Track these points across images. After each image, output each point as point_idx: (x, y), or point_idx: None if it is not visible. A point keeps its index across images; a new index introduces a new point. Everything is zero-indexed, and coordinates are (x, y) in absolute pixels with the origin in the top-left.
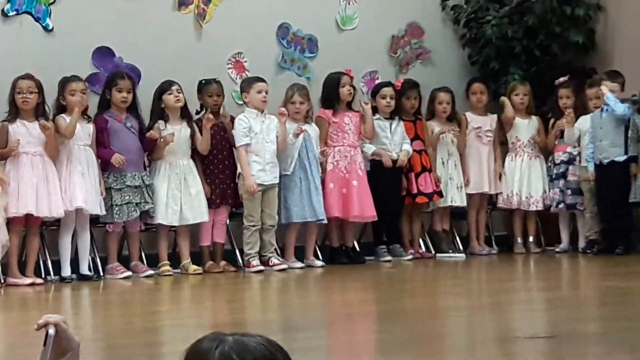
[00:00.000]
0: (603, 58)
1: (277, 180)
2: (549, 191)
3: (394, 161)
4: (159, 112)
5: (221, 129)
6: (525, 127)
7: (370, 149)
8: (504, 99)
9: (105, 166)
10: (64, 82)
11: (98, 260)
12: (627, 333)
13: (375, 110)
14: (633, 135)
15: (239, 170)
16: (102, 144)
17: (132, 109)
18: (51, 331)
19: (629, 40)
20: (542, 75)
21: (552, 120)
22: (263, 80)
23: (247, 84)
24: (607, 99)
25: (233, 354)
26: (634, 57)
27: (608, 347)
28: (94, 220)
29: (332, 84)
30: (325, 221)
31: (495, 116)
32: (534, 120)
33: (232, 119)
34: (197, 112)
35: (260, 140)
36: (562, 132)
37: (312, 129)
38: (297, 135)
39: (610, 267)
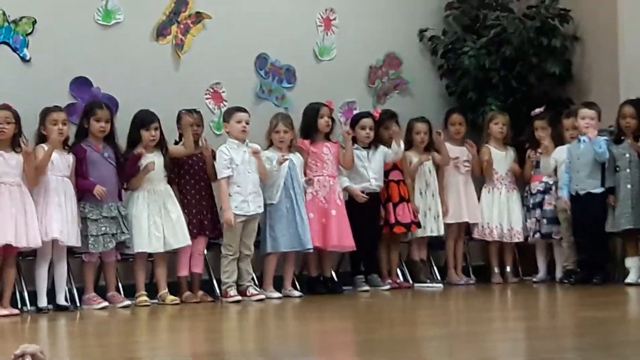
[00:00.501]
0: (579, 89)
1: (260, 210)
2: (529, 221)
3: (370, 193)
4: (136, 142)
5: (200, 160)
6: (502, 159)
7: (344, 182)
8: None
9: (81, 196)
10: (46, 112)
11: (75, 290)
12: None
13: (353, 140)
14: (610, 166)
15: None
16: (82, 174)
17: (109, 139)
18: None
19: (605, 71)
20: (519, 105)
21: (528, 151)
22: (244, 110)
23: (227, 114)
24: (594, 144)
25: None
26: (610, 88)
27: None
28: (71, 250)
29: (311, 115)
30: (312, 250)
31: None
32: (510, 151)
33: (213, 152)
34: (176, 142)
35: (242, 171)
36: (537, 162)
37: (297, 158)
38: (281, 164)
39: (587, 297)
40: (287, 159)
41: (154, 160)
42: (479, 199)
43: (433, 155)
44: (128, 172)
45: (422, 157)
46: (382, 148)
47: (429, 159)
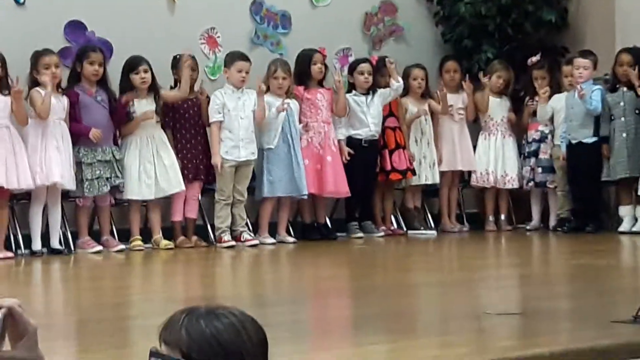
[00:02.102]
0: (575, 37)
1: (252, 157)
2: (524, 169)
3: (368, 140)
4: (128, 88)
5: (195, 104)
6: (498, 106)
7: (339, 135)
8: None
9: (75, 140)
10: (37, 56)
11: (69, 234)
12: (596, 309)
13: (352, 86)
14: (605, 115)
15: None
16: (75, 118)
17: (103, 83)
18: None
19: (601, 20)
20: (514, 53)
21: (526, 99)
22: (246, 59)
23: (229, 59)
24: (585, 102)
25: (201, 321)
26: (605, 36)
27: (577, 323)
28: (64, 194)
29: (303, 61)
30: (306, 196)
31: (465, 94)
32: (505, 99)
33: (208, 97)
34: (172, 88)
35: (234, 116)
36: (534, 111)
37: (294, 104)
38: (279, 111)
39: (580, 245)
40: (285, 108)
41: (147, 106)
42: (475, 146)
43: (429, 103)
44: (117, 119)
45: (420, 109)
46: (380, 91)
47: (427, 112)
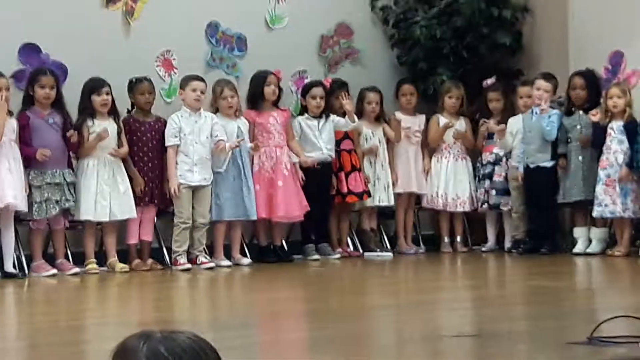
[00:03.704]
0: (529, 60)
1: (206, 182)
2: (477, 191)
3: (322, 162)
4: (88, 110)
5: (152, 128)
6: (451, 129)
7: (293, 158)
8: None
9: (27, 163)
10: None
11: (23, 258)
12: (551, 331)
13: (304, 109)
14: (562, 137)
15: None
16: (24, 141)
17: (57, 105)
18: None
19: (554, 43)
20: (469, 76)
21: (481, 121)
22: (201, 80)
23: (184, 81)
24: (541, 119)
25: (161, 347)
26: (559, 59)
27: (533, 345)
28: (18, 217)
29: (257, 83)
30: (255, 218)
31: (423, 117)
32: (462, 121)
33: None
34: (129, 111)
35: (190, 140)
36: (490, 134)
37: (243, 124)
38: (232, 148)
39: (535, 266)
40: (238, 145)
41: (107, 127)
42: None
43: (384, 127)
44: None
45: (373, 145)
46: (332, 117)
47: (378, 147)
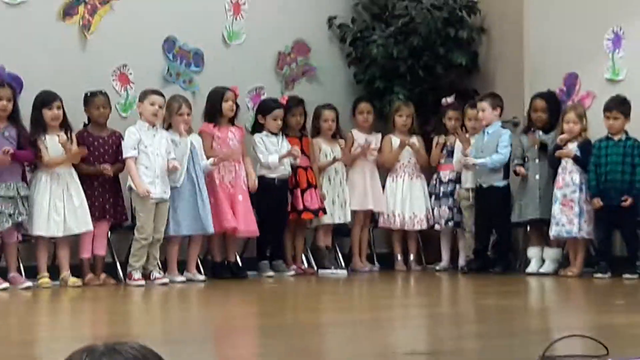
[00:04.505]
0: (485, 80)
1: (167, 196)
2: (436, 209)
3: (279, 179)
4: (39, 123)
5: (106, 143)
6: (405, 148)
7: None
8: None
9: None
10: None
11: None
12: (503, 350)
13: (261, 126)
14: (517, 154)
15: (128, 182)
16: None
17: (12, 118)
18: None
19: (509, 63)
20: (426, 95)
21: (435, 138)
22: (160, 94)
23: (143, 95)
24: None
25: (103, 358)
26: (514, 79)
27: None
28: None
29: (215, 99)
30: (212, 231)
31: (379, 135)
32: (415, 140)
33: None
34: (85, 125)
35: (151, 153)
36: (449, 152)
37: (196, 140)
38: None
39: (488, 285)
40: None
41: (58, 143)
42: (383, 187)
43: (340, 143)
44: (22, 154)
45: (335, 157)
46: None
47: (337, 159)
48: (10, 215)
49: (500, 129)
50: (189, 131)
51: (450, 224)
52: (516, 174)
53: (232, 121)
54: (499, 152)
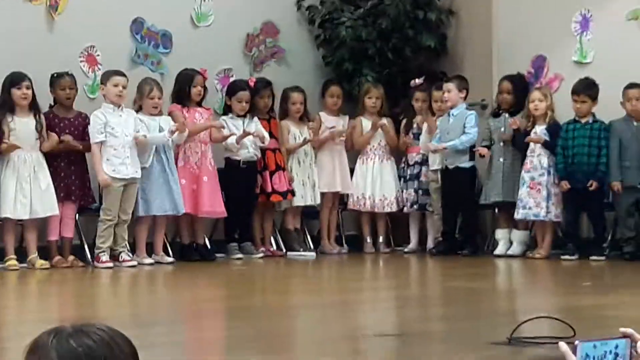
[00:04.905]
0: (454, 62)
1: (138, 175)
2: (403, 192)
3: (247, 161)
4: (8, 104)
5: (72, 124)
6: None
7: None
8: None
9: None
10: None
11: None
12: (471, 332)
13: (229, 108)
14: (484, 136)
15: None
16: None
17: None
18: None
19: (478, 46)
20: (394, 77)
21: (404, 121)
22: (122, 74)
23: (105, 77)
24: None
25: (71, 341)
26: (483, 62)
27: (453, 345)
28: None
29: (184, 82)
30: (183, 212)
31: (347, 117)
32: (386, 122)
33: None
34: (51, 106)
35: (119, 134)
36: (416, 135)
37: (165, 121)
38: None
39: (456, 268)
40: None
41: (27, 124)
42: (352, 169)
43: (308, 126)
44: None
45: (302, 139)
46: (256, 119)
47: (306, 141)
48: None
49: (465, 111)
50: (159, 113)
51: (416, 207)
52: (481, 155)
53: (199, 103)
54: (467, 132)
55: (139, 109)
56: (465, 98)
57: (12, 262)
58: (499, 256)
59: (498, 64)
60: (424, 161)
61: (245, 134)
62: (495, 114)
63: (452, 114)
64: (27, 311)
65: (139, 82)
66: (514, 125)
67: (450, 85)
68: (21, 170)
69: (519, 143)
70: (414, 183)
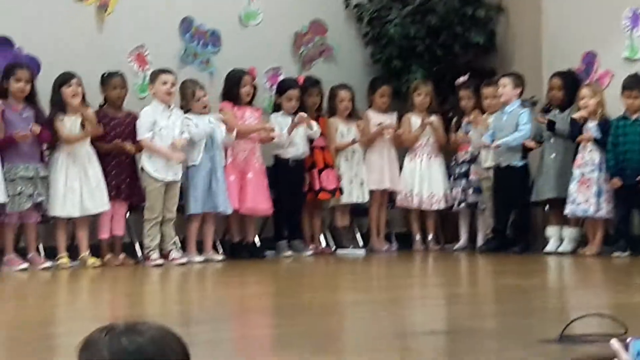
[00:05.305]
0: (503, 59)
1: (178, 177)
2: (452, 190)
3: (296, 159)
4: (58, 103)
5: (122, 122)
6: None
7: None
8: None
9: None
10: None
11: None
12: (521, 329)
13: (278, 106)
14: (537, 133)
15: (140, 164)
16: None
17: (30, 100)
18: None
19: (527, 42)
20: (443, 74)
21: (454, 119)
22: (170, 72)
23: (153, 76)
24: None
25: (123, 339)
26: (532, 58)
27: (504, 342)
28: None
29: (232, 82)
30: (229, 212)
31: (395, 114)
32: (434, 119)
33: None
34: (101, 106)
35: (165, 135)
36: (466, 132)
37: (214, 117)
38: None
39: (507, 265)
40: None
41: (77, 122)
42: (401, 167)
43: (356, 124)
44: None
45: (351, 138)
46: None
47: (356, 141)
48: (29, 195)
49: (518, 108)
50: (208, 110)
51: (463, 205)
52: (529, 149)
53: (249, 102)
54: (520, 129)
55: (187, 111)
56: (520, 95)
57: (64, 260)
58: (549, 253)
59: (547, 60)
60: (473, 159)
61: (300, 118)
62: (546, 111)
63: (506, 111)
64: (78, 309)
65: (180, 86)
66: (576, 115)
67: (505, 81)
68: (71, 168)
69: (573, 134)
70: (462, 181)
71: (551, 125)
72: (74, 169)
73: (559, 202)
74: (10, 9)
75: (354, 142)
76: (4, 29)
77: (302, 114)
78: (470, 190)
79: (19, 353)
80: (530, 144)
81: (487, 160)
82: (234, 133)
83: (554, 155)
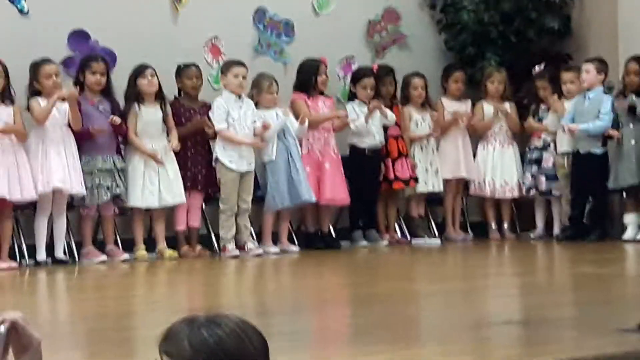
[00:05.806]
0: (578, 44)
1: (251, 167)
2: (523, 176)
3: (372, 149)
4: (134, 95)
5: (198, 113)
6: (495, 115)
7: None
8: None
9: (77, 148)
10: (36, 66)
11: (73, 244)
12: (600, 318)
13: (354, 95)
14: (615, 120)
15: (214, 155)
16: None
17: (106, 92)
18: (1, 329)
19: (603, 27)
20: (517, 60)
21: (532, 107)
22: (242, 64)
23: (225, 67)
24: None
25: (202, 329)
26: (608, 43)
27: (582, 331)
28: (69, 204)
29: (309, 72)
30: (314, 200)
31: (469, 102)
32: (507, 106)
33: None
34: (176, 97)
35: (238, 126)
36: (540, 120)
37: (282, 110)
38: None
39: (584, 253)
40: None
41: (153, 113)
42: (474, 155)
43: (431, 115)
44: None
45: (426, 133)
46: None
47: (432, 135)
48: (108, 188)
49: (602, 94)
50: (275, 105)
51: (533, 191)
52: (610, 137)
53: (322, 92)
54: (601, 117)
55: (256, 104)
56: (602, 82)
57: (142, 252)
58: (627, 241)
59: (623, 44)
60: (546, 146)
61: (375, 104)
62: (622, 95)
63: (588, 97)
64: (156, 300)
65: (255, 78)
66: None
67: (589, 66)
68: (148, 159)
69: None
70: (533, 168)
71: (632, 109)
72: (151, 160)
73: (637, 189)
74: (86, 3)
75: (429, 135)
76: (80, 22)
77: (376, 101)
78: (543, 178)
79: (99, 345)
80: (614, 132)
81: (563, 144)
82: (306, 124)
83: (633, 141)
